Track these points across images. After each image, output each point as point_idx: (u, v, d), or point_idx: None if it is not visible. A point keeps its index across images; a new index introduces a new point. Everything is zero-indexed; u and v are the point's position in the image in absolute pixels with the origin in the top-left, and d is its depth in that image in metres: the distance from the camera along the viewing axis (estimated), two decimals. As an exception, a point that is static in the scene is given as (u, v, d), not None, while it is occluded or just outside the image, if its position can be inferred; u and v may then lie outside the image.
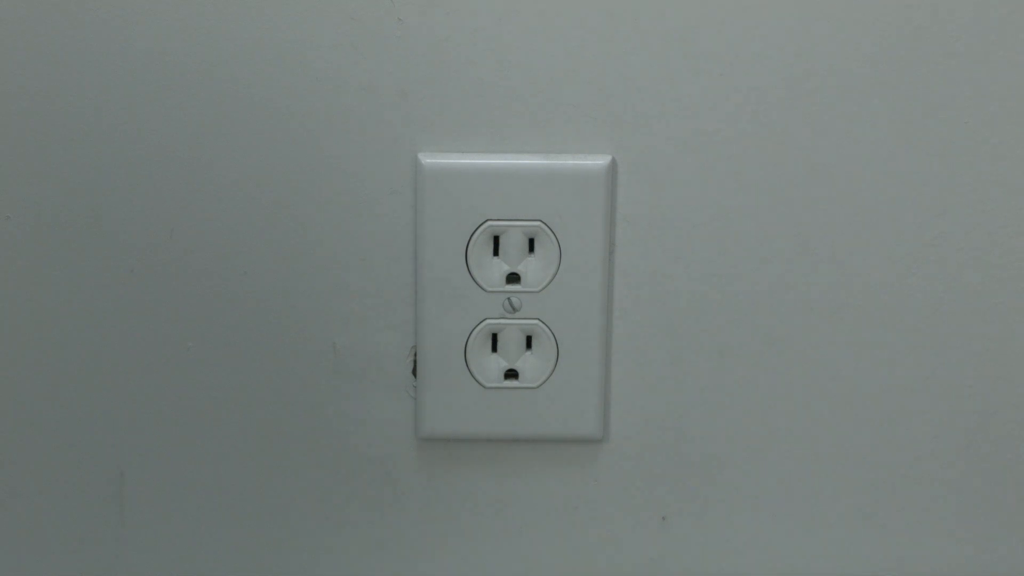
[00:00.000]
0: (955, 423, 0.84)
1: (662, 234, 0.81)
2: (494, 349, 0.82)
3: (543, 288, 0.81)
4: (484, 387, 0.82)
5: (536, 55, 0.78)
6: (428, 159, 0.79)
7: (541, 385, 0.82)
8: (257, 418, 0.84)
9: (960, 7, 0.77)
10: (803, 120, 0.79)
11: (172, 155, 0.80)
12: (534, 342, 0.82)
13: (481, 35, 0.78)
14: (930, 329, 0.82)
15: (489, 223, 0.80)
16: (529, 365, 0.82)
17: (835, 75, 0.78)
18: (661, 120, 0.79)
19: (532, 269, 0.81)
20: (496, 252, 0.81)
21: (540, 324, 0.81)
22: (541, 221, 0.80)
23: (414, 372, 0.83)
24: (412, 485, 0.85)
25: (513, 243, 0.80)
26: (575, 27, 0.78)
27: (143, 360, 0.83)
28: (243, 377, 0.83)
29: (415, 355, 0.83)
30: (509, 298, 0.81)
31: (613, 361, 0.83)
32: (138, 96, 0.79)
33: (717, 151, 0.80)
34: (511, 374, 0.83)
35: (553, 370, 0.82)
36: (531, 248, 0.81)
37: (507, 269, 0.81)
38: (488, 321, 0.81)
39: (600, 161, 0.79)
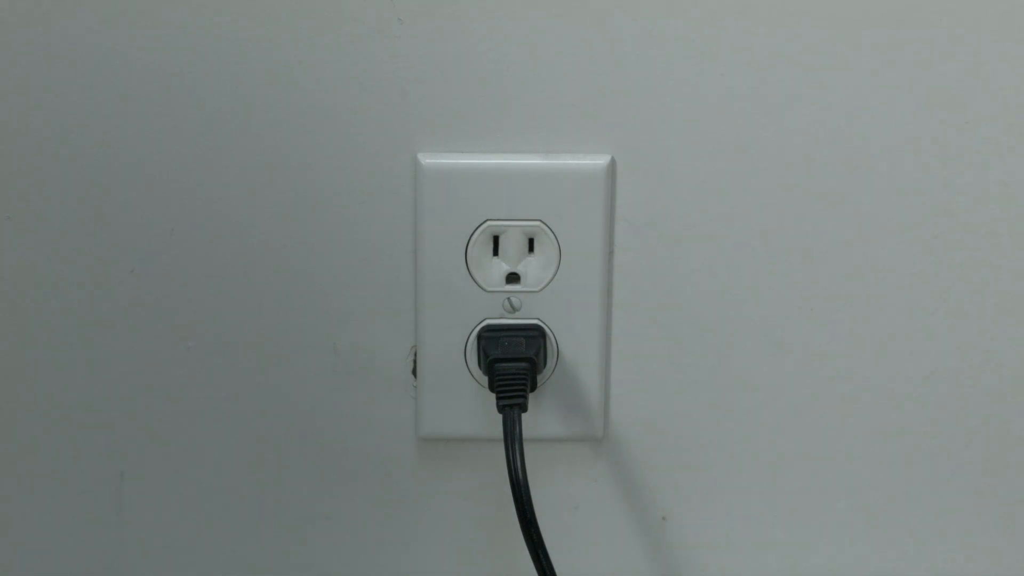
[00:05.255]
0: (955, 423, 0.84)
1: (662, 234, 0.81)
2: (494, 349, 0.82)
3: (543, 288, 0.81)
4: (484, 386, 0.82)
5: (536, 55, 0.78)
6: (428, 159, 0.79)
7: (541, 384, 0.82)
8: (257, 418, 0.84)
9: (960, 7, 0.77)
10: (803, 120, 0.79)
11: (172, 155, 0.80)
12: (534, 343, 0.82)
13: (481, 35, 0.78)
14: (930, 329, 0.82)
15: (489, 223, 0.80)
16: (529, 365, 0.82)
17: (835, 74, 0.78)
18: (661, 120, 0.79)
19: (532, 269, 0.81)
20: (496, 252, 0.81)
21: (540, 324, 0.81)
22: (541, 221, 0.80)
23: (414, 372, 0.83)
24: (412, 485, 0.85)
25: (513, 243, 0.80)
26: (575, 27, 0.78)
27: (143, 360, 0.83)
28: (243, 377, 0.83)
29: (415, 355, 0.83)
30: (509, 298, 0.81)
31: (613, 361, 0.83)
32: (138, 96, 0.79)
33: (717, 151, 0.79)
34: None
35: (553, 370, 0.82)
36: (531, 248, 0.81)
37: (507, 269, 0.81)
38: (488, 321, 0.81)
39: (600, 161, 0.79)
